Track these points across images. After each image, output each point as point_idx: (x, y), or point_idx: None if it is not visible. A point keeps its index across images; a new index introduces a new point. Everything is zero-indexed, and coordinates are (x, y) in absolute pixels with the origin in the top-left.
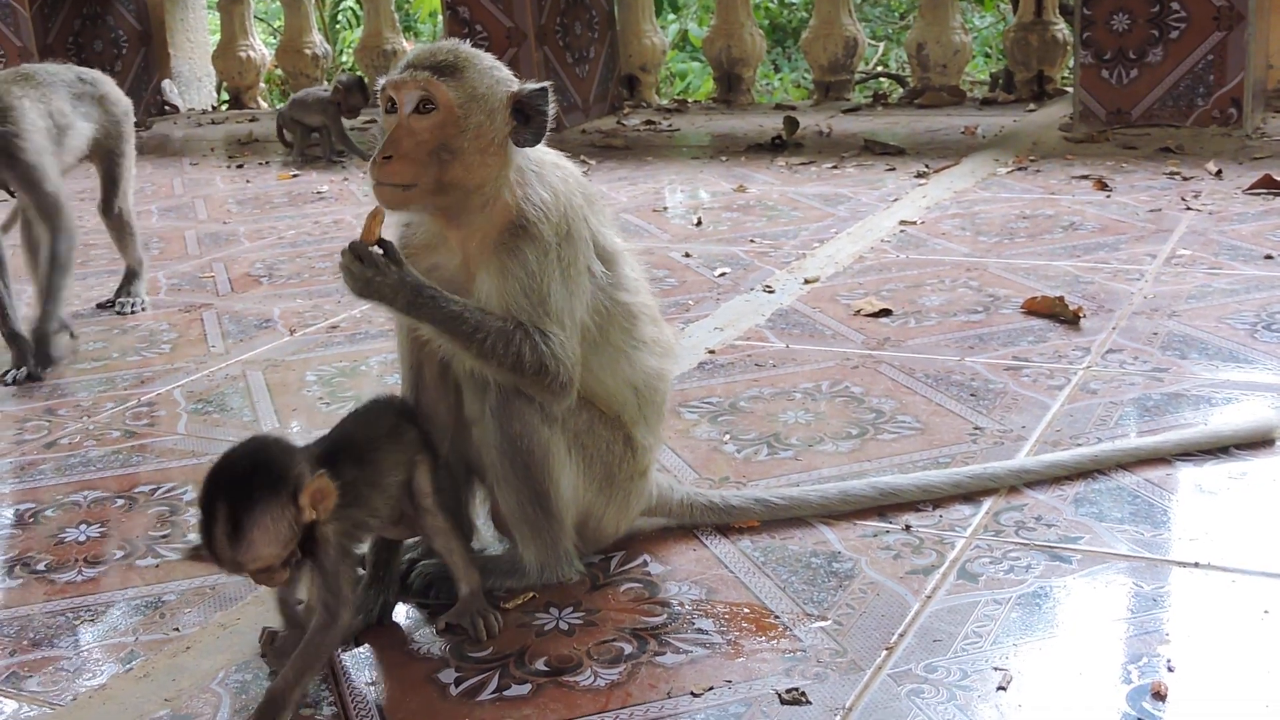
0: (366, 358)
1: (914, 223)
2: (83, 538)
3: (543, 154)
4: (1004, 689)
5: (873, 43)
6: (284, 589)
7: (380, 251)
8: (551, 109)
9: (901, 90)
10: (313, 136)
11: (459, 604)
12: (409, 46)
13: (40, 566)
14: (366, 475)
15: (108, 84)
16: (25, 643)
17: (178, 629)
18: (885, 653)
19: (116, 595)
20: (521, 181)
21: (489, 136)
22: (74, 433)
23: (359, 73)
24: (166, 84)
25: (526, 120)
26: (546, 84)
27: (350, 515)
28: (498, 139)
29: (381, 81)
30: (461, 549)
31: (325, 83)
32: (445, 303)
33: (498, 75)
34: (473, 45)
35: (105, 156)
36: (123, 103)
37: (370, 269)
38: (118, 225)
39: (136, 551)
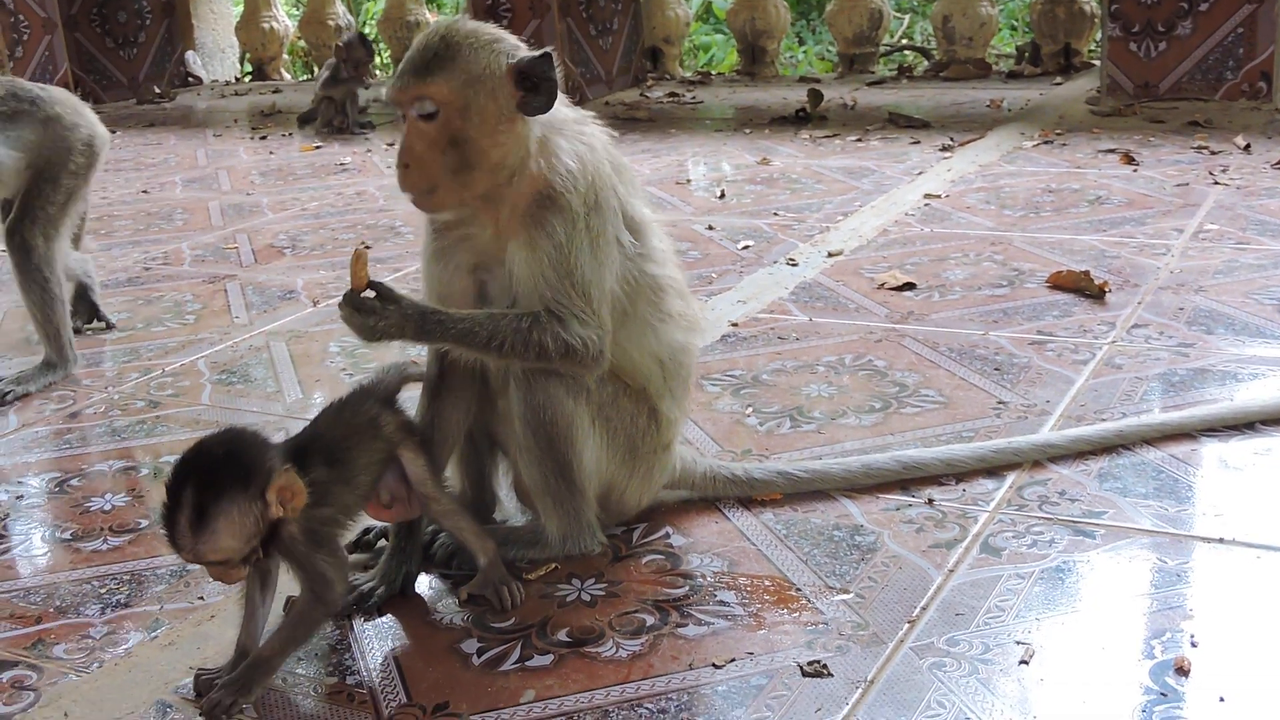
0: None
1: (938, 196)
2: (108, 507)
3: (570, 121)
4: (1026, 663)
5: (898, 15)
6: (257, 590)
7: (373, 294)
8: (558, 74)
9: (927, 63)
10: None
11: (479, 575)
12: (432, 18)
13: (66, 535)
14: (337, 473)
15: (63, 105)
16: (52, 610)
17: (202, 598)
18: (907, 626)
19: (142, 564)
20: (547, 150)
21: (495, 114)
22: (99, 403)
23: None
24: (190, 55)
25: (535, 88)
26: (549, 49)
27: (319, 514)
28: (505, 114)
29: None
30: (470, 524)
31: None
32: (454, 322)
33: (496, 49)
34: (494, 19)
35: (35, 183)
36: (83, 129)
37: (370, 316)
38: (23, 274)
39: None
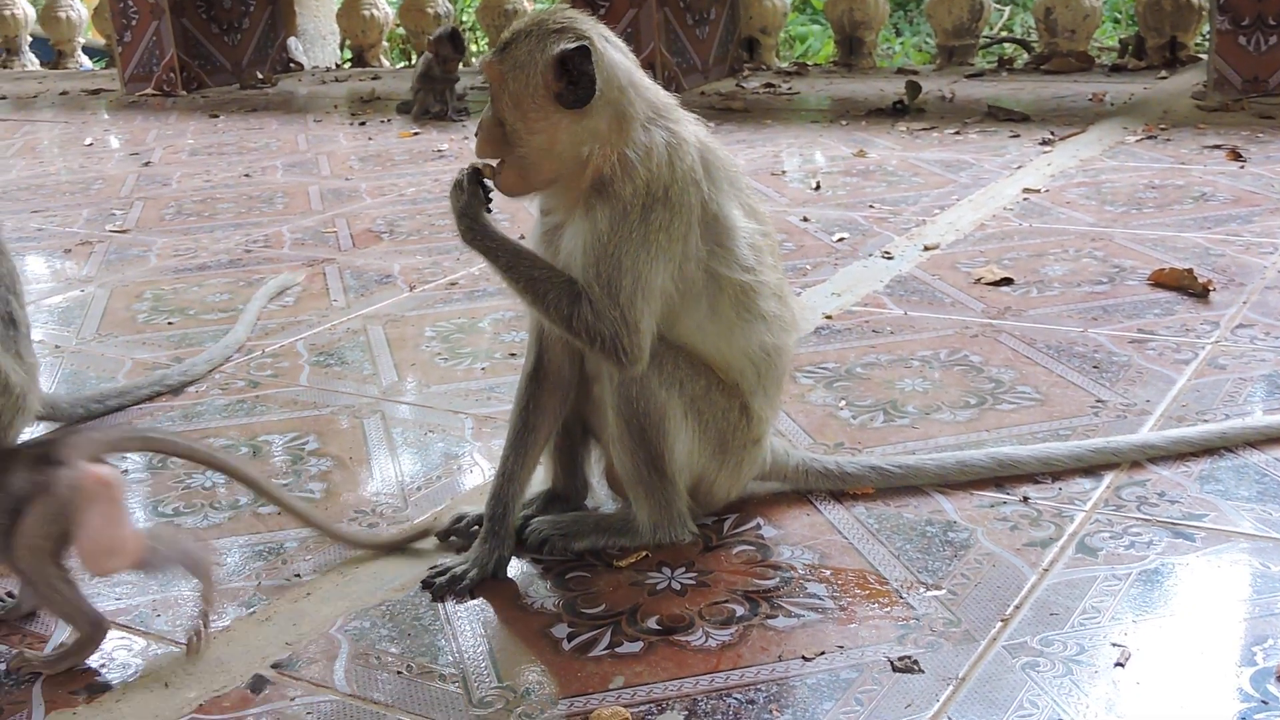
0: (485, 315)
1: (1038, 191)
2: (208, 484)
3: (662, 114)
4: (1121, 665)
5: (998, 6)
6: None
7: (471, 180)
8: (593, 68)
9: (1027, 56)
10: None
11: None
12: (530, 7)
13: (168, 510)
14: None
15: None
16: (153, 583)
17: (298, 575)
18: (1000, 624)
19: (240, 540)
20: (615, 143)
21: (529, 102)
22: (201, 381)
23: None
24: (292, 41)
25: (574, 82)
26: (584, 42)
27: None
28: (539, 103)
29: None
30: (65, 600)
31: None
32: (492, 240)
33: (549, 40)
34: (590, 9)
35: None
36: None
37: (460, 195)
38: None
39: (260, 499)
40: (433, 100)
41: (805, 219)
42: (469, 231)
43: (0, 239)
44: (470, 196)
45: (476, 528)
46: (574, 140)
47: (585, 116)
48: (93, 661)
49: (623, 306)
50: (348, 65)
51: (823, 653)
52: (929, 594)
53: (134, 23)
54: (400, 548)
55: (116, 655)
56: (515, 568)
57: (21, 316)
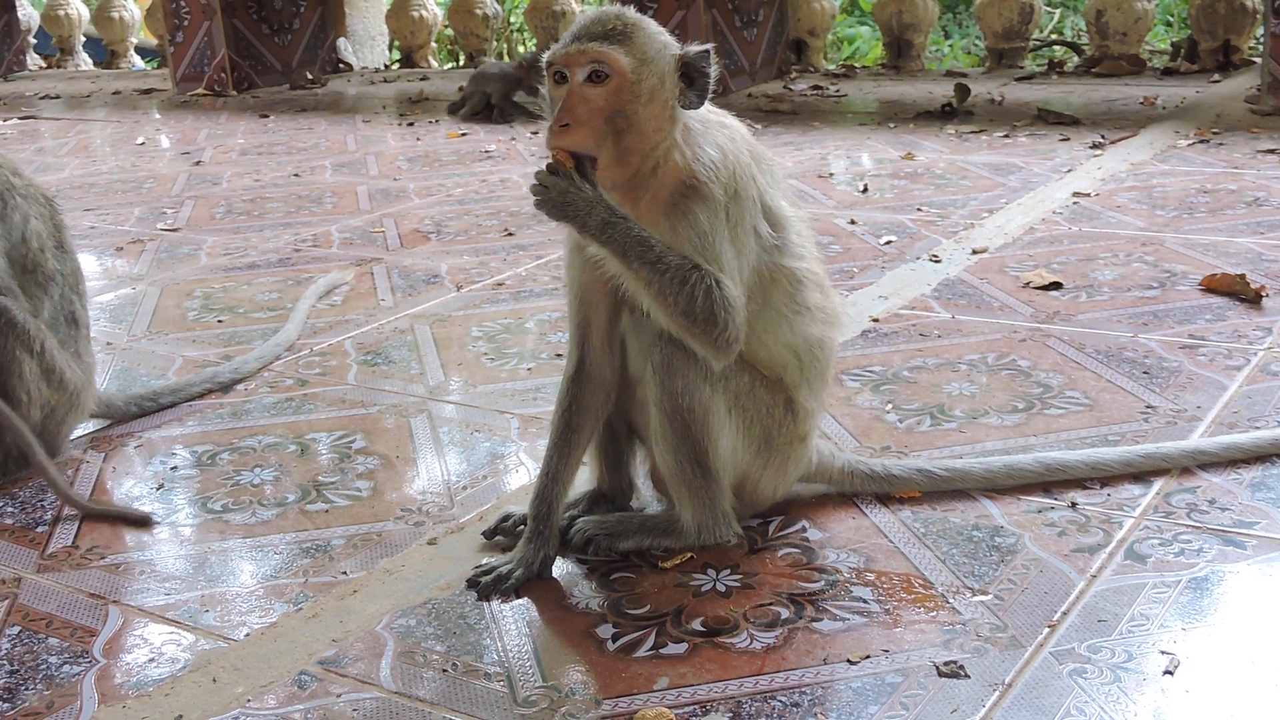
0: (531, 315)
1: (1088, 194)
2: (257, 481)
3: (709, 114)
4: (1170, 673)
5: (1049, 9)
6: None
7: (579, 171)
8: (714, 70)
9: (1077, 59)
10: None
11: None
12: (579, 9)
13: (216, 507)
14: None
15: None
16: (202, 579)
17: (345, 572)
18: (1047, 630)
19: (288, 537)
20: (689, 142)
21: (661, 101)
22: (250, 379)
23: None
24: (342, 42)
25: (690, 82)
26: (709, 45)
27: None
28: (669, 102)
29: (547, 56)
30: None
31: (494, 42)
32: (634, 227)
33: (664, 39)
34: (640, 8)
35: None
36: None
37: (566, 182)
38: None
39: (308, 496)
40: (484, 104)
41: (852, 221)
42: (603, 215)
43: (66, 240)
44: (595, 188)
45: (522, 528)
46: (668, 140)
47: (679, 116)
48: (142, 656)
49: (738, 295)
50: (396, 66)
51: (868, 656)
52: (975, 599)
53: (186, 23)
54: (106, 515)
55: (165, 650)
56: (560, 568)
57: (83, 316)
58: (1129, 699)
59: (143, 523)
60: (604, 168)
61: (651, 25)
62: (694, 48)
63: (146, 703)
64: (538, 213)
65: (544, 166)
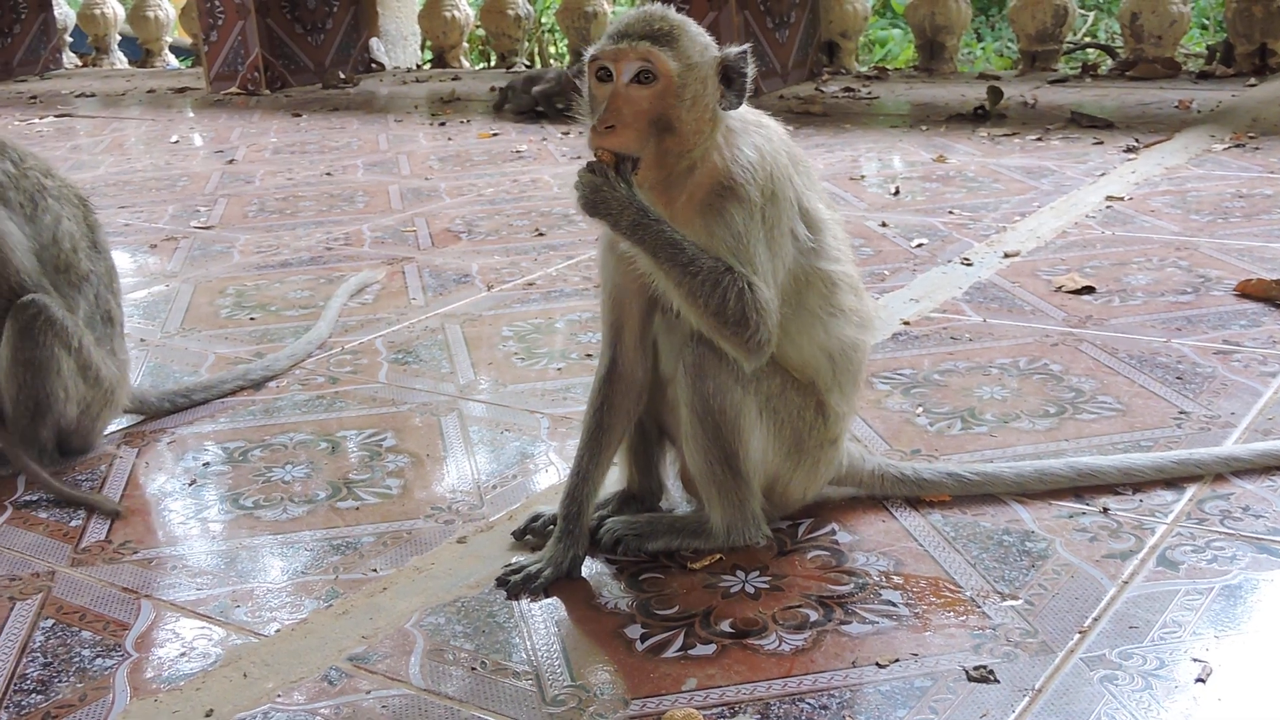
0: (562, 315)
1: (1121, 198)
2: (288, 478)
3: (747, 114)
4: (1203, 681)
5: (1083, 12)
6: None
7: (616, 170)
8: (751, 70)
9: (1111, 62)
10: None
11: None
12: (610, 10)
13: (248, 503)
14: None
15: None
16: (233, 575)
17: (375, 570)
18: (1078, 636)
19: (319, 534)
20: (728, 143)
21: (703, 104)
22: (282, 376)
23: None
24: (374, 42)
25: (729, 83)
26: (747, 46)
27: None
28: (710, 105)
29: (592, 51)
30: None
31: (526, 43)
32: (667, 228)
33: (705, 41)
34: (674, 9)
35: None
36: None
37: (601, 179)
38: None
39: (338, 493)
40: (530, 104)
41: (884, 224)
42: (635, 216)
43: (101, 239)
44: (630, 188)
45: (551, 527)
46: (706, 139)
47: (720, 117)
48: (174, 650)
49: (771, 297)
50: (428, 66)
51: (897, 660)
52: (1005, 604)
53: (220, 22)
54: (77, 500)
55: (197, 645)
56: (589, 568)
57: (118, 314)
58: (1160, 706)
59: (112, 514)
60: (644, 168)
61: (693, 26)
62: (733, 49)
63: (178, 697)
64: (572, 212)
65: (587, 164)
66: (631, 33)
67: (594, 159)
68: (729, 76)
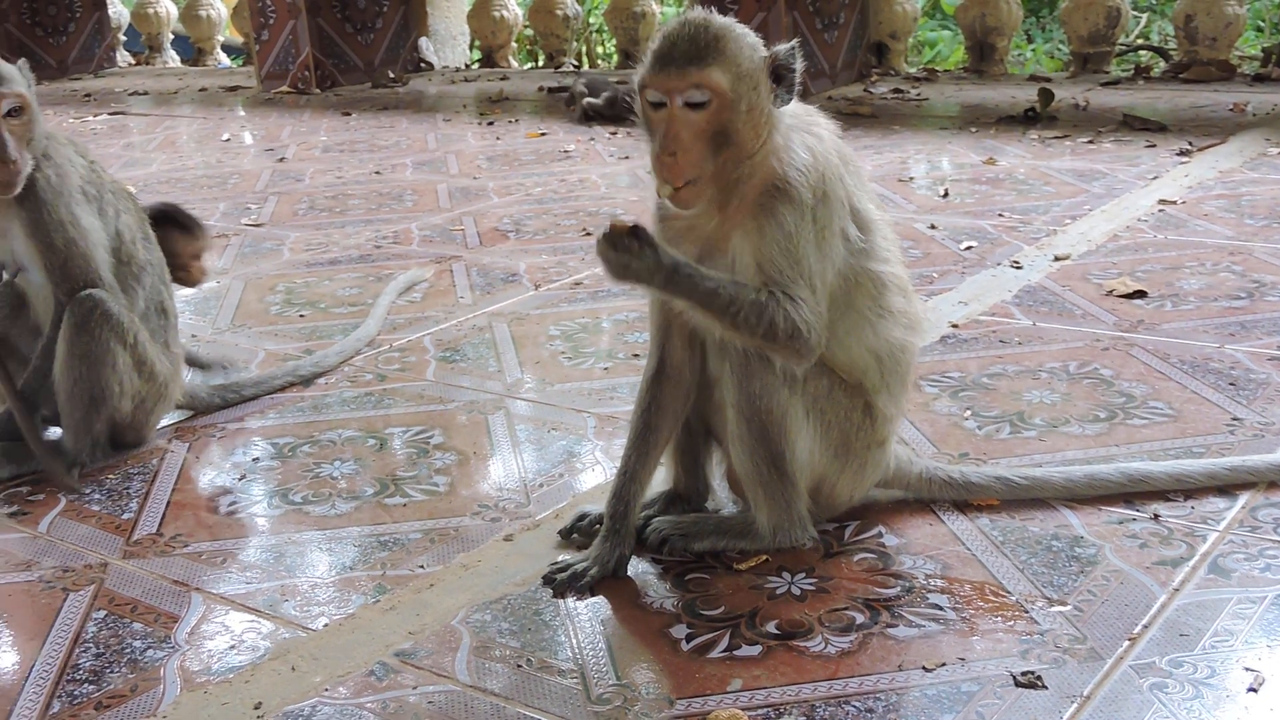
0: (608, 315)
1: (1174, 202)
2: (336, 474)
3: (799, 114)
4: (1255, 691)
5: (1135, 14)
6: None
7: (634, 238)
8: (800, 64)
9: (1164, 64)
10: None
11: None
12: (659, 10)
13: (296, 498)
14: None
15: None
16: (282, 569)
17: (422, 566)
18: (1128, 643)
19: (366, 530)
20: (781, 144)
21: (760, 107)
22: (330, 373)
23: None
24: (423, 41)
25: (779, 79)
26: (795, 41)
27: None
28: (765, 106)
29: (640, 79)
30: None
31: (574, 43)
32: (700, 279)
33: (752, 42)
34: (721, 10)
35: None
36: None
37: (625, 254)
38: None
39: (386, 490)
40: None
41: (932, 226)
42: (666, 275)
43: (150, 231)
44: (654, 250)
45: (598, 526)
46: (765, 143)
47: (776, 118)
48: (223, 643)
49: (817, 303)
50: (476, 65)
51: (943, 664)
52: (1054, 609)
53: (271, 22)
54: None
55: (246, 638)
56: (635, 567)
57: (171, 307)
58: (1210, 715)
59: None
60: (704, 185)
61: (738, 30)
62: (781, 46)
63: (227, 689)
64: (619, 211)
65: (603, 235)
66: (679, 56)
67: (611, 229)
68: (779, 73)
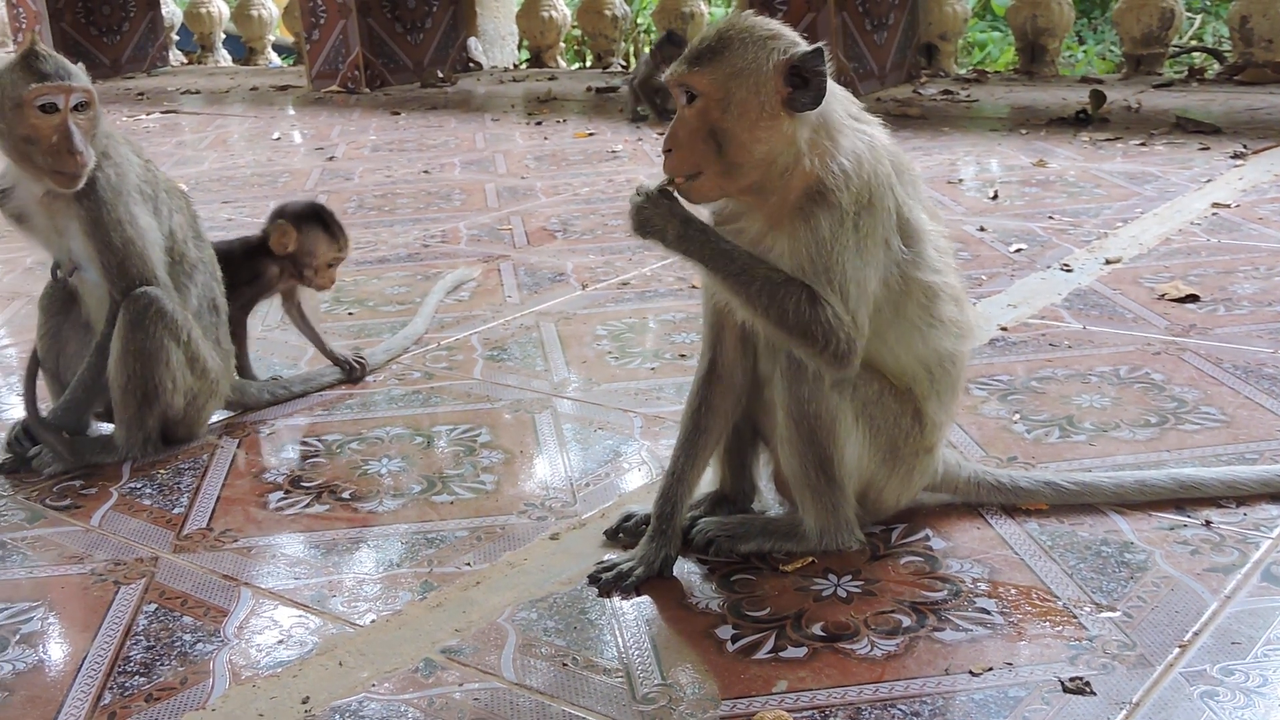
0: (655, 315)
1: (1228, 205)
2: (384, 471)
3: (852, 118)
4: None
5: (1189, 15)
6: None
7: (660, 193)
8: (829, 68)
9: (1219, 66)
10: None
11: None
12: (707, 10)
13: (345, 495)
14: None
15: None
16: (329, 565)
17: (469, 564)
18: (1178, 650)
19: (413, 527)
20: (822, 147)
21: (755, 109)
22: (380, 371)
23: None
24: (472, 41)
25: (805, 84)
26: (820, 45)
27: None
28: (767, 109)
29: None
30: None
31: (622, 43)
32: (715, 240)
33: (769, 45)
34: (769, 12)
35: None
36: None
37: (643, 199)
38: None
39: (433, 487)
40: (644, 104)
41: (982, 228)
42: (679, 229)
43: (201, 229)
44: (671, 202)
45: (644, 526)
46: (789, 145)
47: (802, 122)
48: (272, 638)
49: (853, 310)
50: (525, 65)
51: (990, 669)
52: (1103, 615)
53: (322, 21)
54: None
55: (294, 633)
56: (681, 568)
57: (222, 303)
58: None
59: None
60: (711, 180)
61: (756, 33)
62: (801, 48)
63: (275, 683)
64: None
65: (635, 189)
66: (681, 57)
67: (656, 187)
68: (802, 76)
